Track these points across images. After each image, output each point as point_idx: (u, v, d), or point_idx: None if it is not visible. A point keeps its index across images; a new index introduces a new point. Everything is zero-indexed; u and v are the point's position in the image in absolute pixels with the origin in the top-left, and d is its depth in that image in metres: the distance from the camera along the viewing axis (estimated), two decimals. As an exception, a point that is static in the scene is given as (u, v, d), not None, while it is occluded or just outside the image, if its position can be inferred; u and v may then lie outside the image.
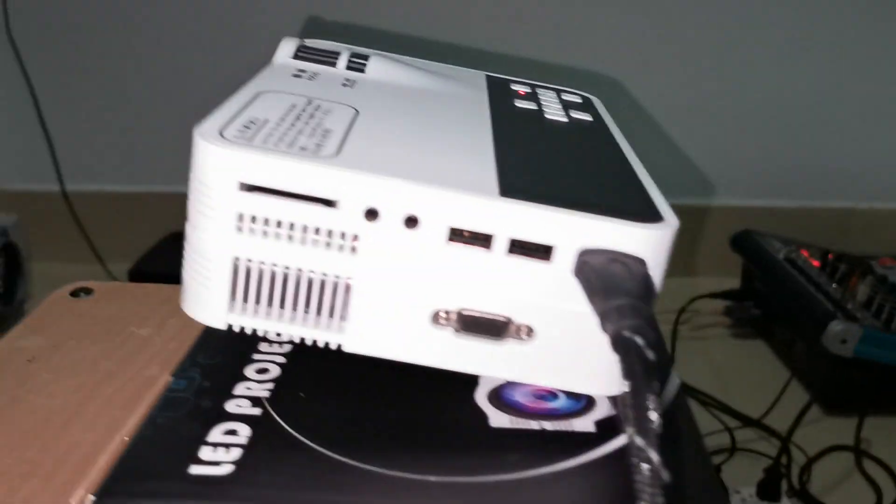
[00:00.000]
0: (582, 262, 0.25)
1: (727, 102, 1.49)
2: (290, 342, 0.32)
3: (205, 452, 0.27)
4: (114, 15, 1.40)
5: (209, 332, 0.34)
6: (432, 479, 0.26)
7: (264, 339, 0.32)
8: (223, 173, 0.25)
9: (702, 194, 1.55)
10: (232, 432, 0.28)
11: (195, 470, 0.26)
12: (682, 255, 1.57)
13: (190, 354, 0.33)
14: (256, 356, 0.32)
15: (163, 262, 1.35)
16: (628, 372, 0.21)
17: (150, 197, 1.46)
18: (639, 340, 0.22)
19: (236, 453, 0.27)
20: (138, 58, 1.42)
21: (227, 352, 0.33)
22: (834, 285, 1.21)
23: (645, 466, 0.20)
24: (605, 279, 0.24)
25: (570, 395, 0.30)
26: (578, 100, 0.41)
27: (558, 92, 0.42)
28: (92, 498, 0.25)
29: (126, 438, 0.29)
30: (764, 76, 1.49)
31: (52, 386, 0.49)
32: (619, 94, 1.47)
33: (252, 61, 1.41)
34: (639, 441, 0.20)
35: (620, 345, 0.22)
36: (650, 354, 0.22)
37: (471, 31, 1.38)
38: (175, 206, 1.44)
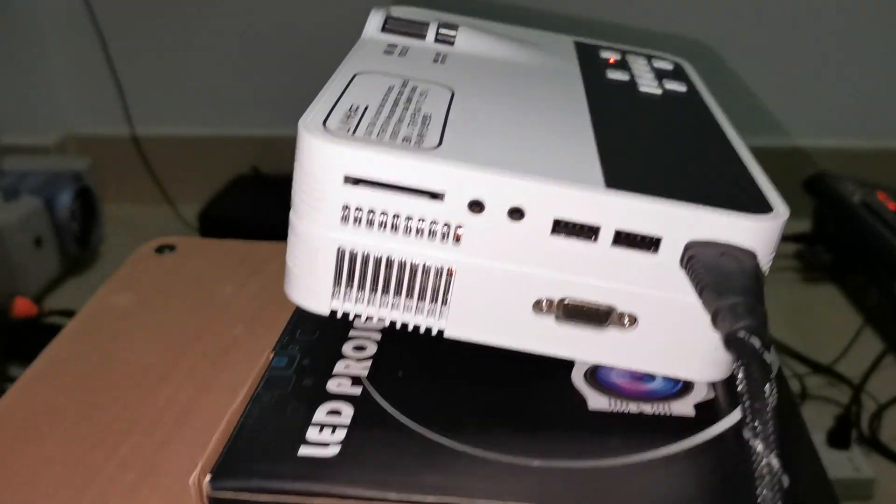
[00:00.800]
0: (690, 255, 0.25)
1: (794, 37, 1.44)
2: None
3: (311, 433, 0.28)
4: (180, -42, 1.40)
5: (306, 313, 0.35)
6: (535, 463, 0.26)
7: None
8: (329, 167, 0.25)
9: (773, 135, 1.51)
10: (335, 412, 0.29)
11: (304, 451, 0.27)
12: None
13: (289, 330, 0.34)
14: (353, 333, 0.33)
15: (231, 205, 1.38)
16: (746, 375, 0.21)
17: (218, 140, 1.47)
18: (755, 343, 0.22)
19: (341, 434, 0.28)
20: (206, 1, 1.42)
21: (324, 327, 0.33)
22: (912, 231, 1.19)
23: (766, 472, 0.20)
24: (715, 274, 0.24)
25: (666, 378, 0.30)
26: (669, 66, 0.40)
27: (648, 58, 0.41)
28: (209, 477, 0.26)
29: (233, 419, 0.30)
30: (836, 7, 1.43)
31: (144, 343, 0.50)
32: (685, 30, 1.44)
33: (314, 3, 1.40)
34: (759, 447, 0.20)
35: (736, 346, 0.22)
36: (767, 357, 0.22)
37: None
38: (242, 150, 1.46)
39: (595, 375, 0.30)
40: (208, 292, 0.55)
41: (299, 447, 0.27)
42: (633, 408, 0.29)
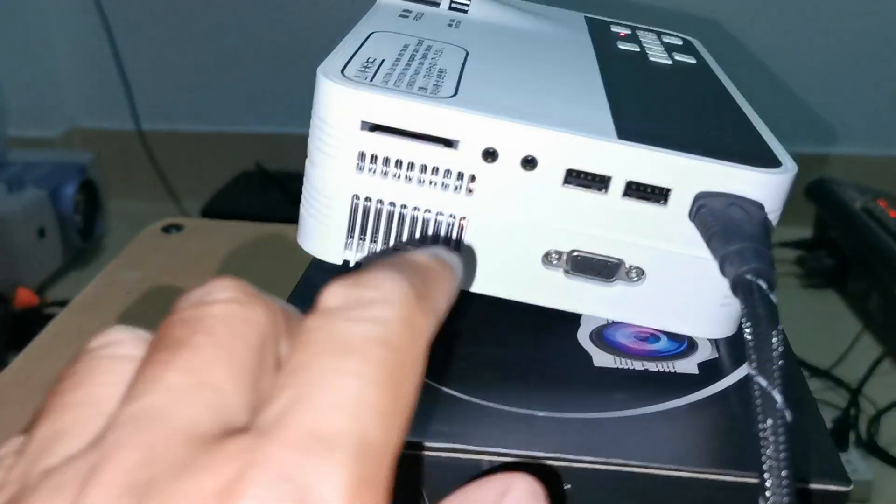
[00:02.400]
0: (699, 205, 0.26)
1: (799, 43, 1.45)
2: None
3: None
4: (189, -46, 1.41)
5: (317, 264, 0.35)
6: (540, 413, 0.27)
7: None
8: (346, 112, 0.26)
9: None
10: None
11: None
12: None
13: (297, 291, 0.34)
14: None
15: (234, 201, 1.38)
16: (751, 314, 0.22)
17: (222, 137, 1.48)
18: (762, 283, 0.22)
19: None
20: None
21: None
22: (913, 236, 1.19)
23: (768, 406, 0.20)
24: (724, 222, 0.25)
25: (671, 337, 0.31)
26: (679, 42, 0.41)
27: (658, 34, 0.41)
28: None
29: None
30: (837, 18, 1.44)
31: (149, 318, 0.51)
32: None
33: (320, 3, 1.41)
34: (762, 381, 0.21)
35: (743, 288, 0.23)
36: (773, 297, 0.22)
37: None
38: (247, 147, 1.46)
39: (601, 335, 0.31)
40: (211, 270, 0.56)
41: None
42: (637, 365, 0.29)
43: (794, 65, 1.47)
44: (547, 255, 0.28)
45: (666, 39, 0.41)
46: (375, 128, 0.26)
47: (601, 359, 0.29)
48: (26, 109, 1.44)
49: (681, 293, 0.28)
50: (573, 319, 0.31)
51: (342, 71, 0.27)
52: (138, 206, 1.47)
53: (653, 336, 0.31)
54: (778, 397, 0.20)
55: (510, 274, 0.28)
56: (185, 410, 0.15)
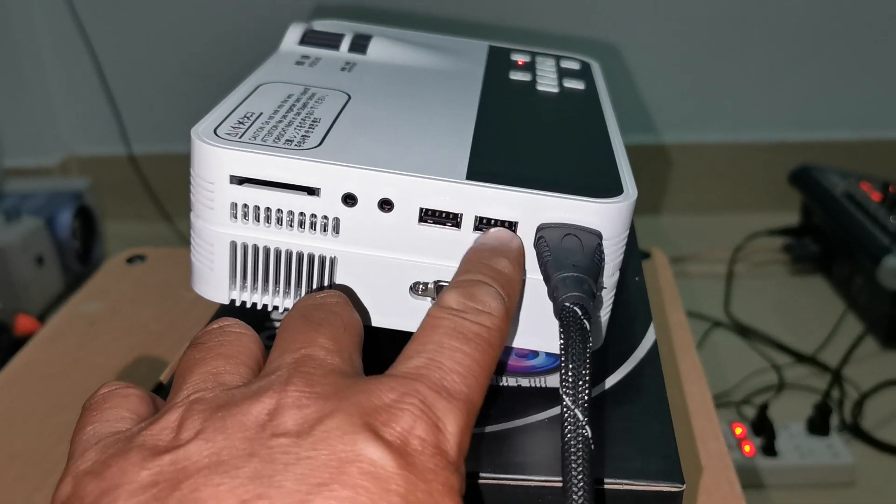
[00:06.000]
0: (539, 236, 0.28)
1: (779, 31, 1.46)
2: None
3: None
4: (170, -20, 1.44)
5: (225, 307, 0.38)
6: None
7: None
8: (215, 168, 0.28)
9: (758, 130, 1.53)
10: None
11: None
12: (739, 193, 1.56)
13: (216, 316, 0.36)
14: (268, 323, 0.36)
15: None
16: (566, 339, 0.24)
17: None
18: (578, 311, 0.25)
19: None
20: (199, 19, 1.46)
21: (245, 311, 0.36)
22: (892, 219, 1.20)
23: (571, 422, 0.23)
24: (556, 251, 0.27)
25: (549, 354, 0.33)
26: (576, 66, 0.43)
27: (558, 59, 0.44)
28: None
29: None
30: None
31: (111, 347, 0.54)
32: (647, 36, 1.46)
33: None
34: (568, 401, 0.23)
35: (561, 313, 0.25)
36: (587, 323, 0.25)
37: (482, 5, 1.38)
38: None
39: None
40: (174, 298, 0.59)
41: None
42: (511, 382, 0.32)
43: (772, 50, 1.48)
44: (414, 286, 0.30)
45: (564, 64, 0.43)
46: (243, 181, 0.28)
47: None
48: (22, 141, 1.47)
49: (539, 315, 0.30)
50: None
51: (215, 130, 0.29)
52: (134, 228, 1.51)
53: (531, 353, 0.33)
54: (580, 414, 0.23)
55: (383, 305, 0.30)
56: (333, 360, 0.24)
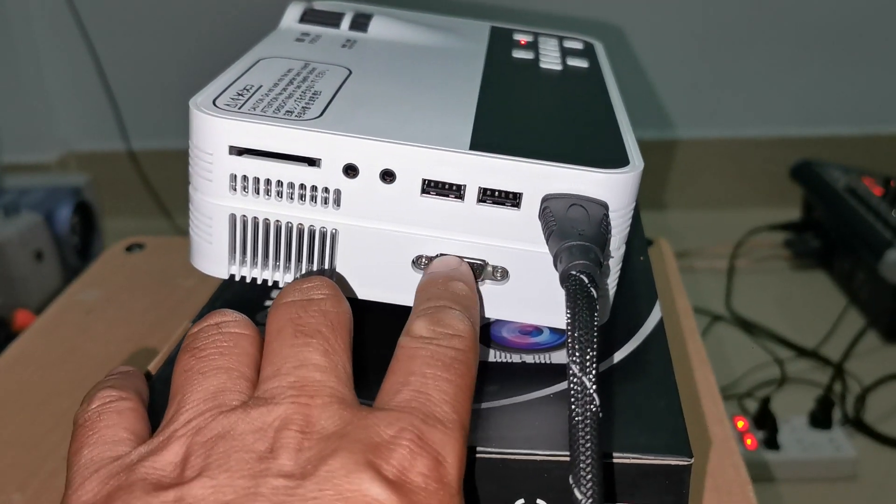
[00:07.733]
0: (544, 207, 0.27)
1: (781, 26, 1.46)
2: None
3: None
4: (168, -25, 1.44)
5: (226, 285, 0.37)
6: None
7: (276, 286, 0.35)
8: (214, 139, 0.28)
9: (759, 125, 1.53)
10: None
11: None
12: (740, 189, 1.55)
13: (209, 302, 0.36)
14: (268, 302, 0.35)
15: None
16: (571, 306, 0.24)
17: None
18: (584, 278, 0.24)
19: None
20: (197, 14, 1.46)
21: (242, 297, 0.35)
22: (894, 213, 1.19)
23: (579, 391, 0.22)
24: (562, 221, 0.26)
25: (553, 329, 0.32)
26: (579, 46, 0.42)
27: (561, 39, 0.43)
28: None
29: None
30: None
31: (107, 335, 0.53)
32: (655, 25, 1.45)
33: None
34: (575, 368, 0.22)
35: (567, 282, 0.24)
36: (594, 291, 0.24)
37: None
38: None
39: (487, 332, 0.33)
40: (171, 286, 0.58)
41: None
42: (515, 358, 0.31)
43: (771, 46, 1.48)
44: (416, 260, 0.29)
45: (566, 44, 0.42)
46: (243, 151, 0.28)
47: (481, 353, 0.31)
48: (22, 137, 1.47)
49: (544, 289, 0.29)
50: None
51: (214, 101, 0.29)
52: (133, 224, 1.50)
53: (536, 330, 0.33)
54: (588, 383, 0.22)
55: (384, 279, 0.30)
56: (331, 383, 0.24)
